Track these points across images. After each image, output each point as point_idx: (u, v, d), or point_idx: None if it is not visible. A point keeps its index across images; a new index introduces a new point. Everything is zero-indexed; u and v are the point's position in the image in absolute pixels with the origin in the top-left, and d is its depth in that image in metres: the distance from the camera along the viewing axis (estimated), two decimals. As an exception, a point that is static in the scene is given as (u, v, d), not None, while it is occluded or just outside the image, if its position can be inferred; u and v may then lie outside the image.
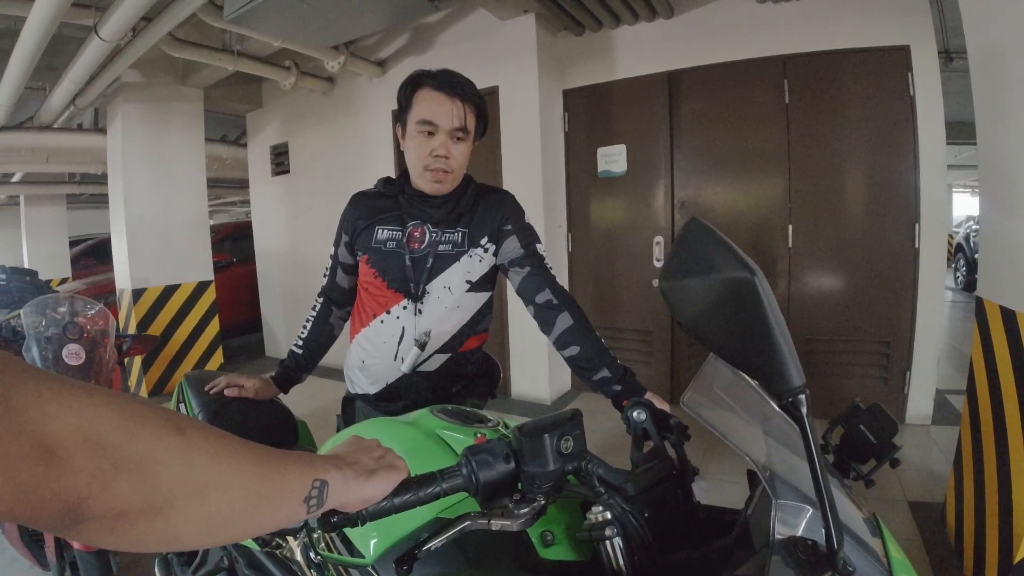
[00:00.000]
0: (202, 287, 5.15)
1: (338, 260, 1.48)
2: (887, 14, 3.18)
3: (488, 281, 1.41)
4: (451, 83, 1.28)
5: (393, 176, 1.44)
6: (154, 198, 4.80)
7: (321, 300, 1.53)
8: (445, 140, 1.28)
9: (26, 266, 6.54)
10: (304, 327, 1.52)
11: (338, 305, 1.53)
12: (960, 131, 5.39)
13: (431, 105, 1.27)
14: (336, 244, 1.47)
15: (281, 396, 1.52)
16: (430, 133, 1.28)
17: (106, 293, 5.19)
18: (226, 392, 1.43)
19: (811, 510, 0.63)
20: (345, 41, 4.10)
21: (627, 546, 0.73)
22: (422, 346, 1.33)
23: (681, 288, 0.59)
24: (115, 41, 3.27)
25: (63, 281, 8.26)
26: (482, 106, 1.34)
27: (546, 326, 1.33)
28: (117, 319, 4.04)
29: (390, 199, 1.40)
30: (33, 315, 1.96)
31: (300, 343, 1.51)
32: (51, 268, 8.38)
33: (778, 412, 0.75)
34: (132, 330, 4.68)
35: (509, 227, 1.37)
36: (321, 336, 1.52)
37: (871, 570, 0.61)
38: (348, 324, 1.54)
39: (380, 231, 1.38)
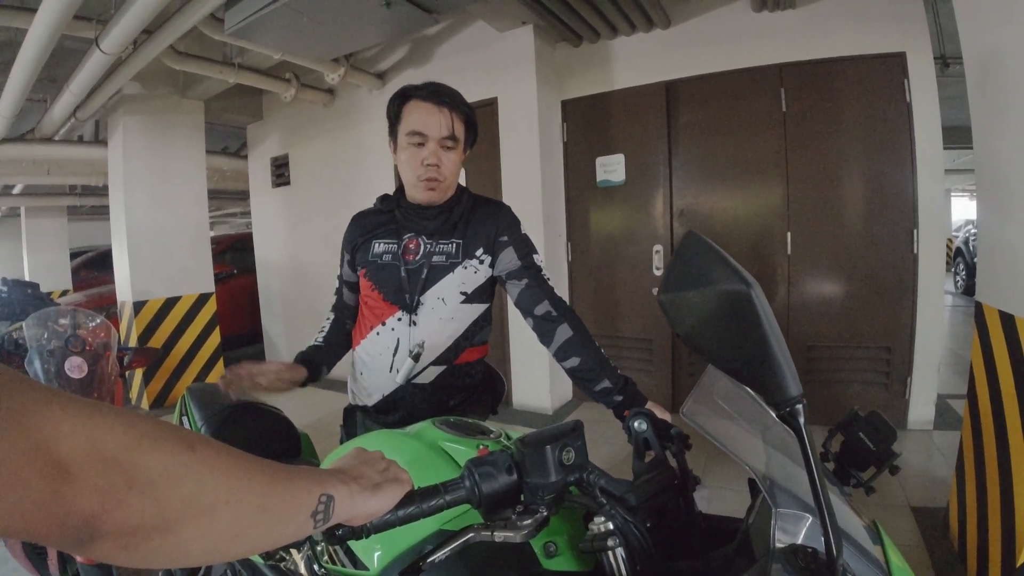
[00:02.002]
0: (203, 299, 5.16)
1: (343, 279, 1.51)
2: (883, 22, 3.21)
3: (484, 292, 1.41)
4: (438, 92, 1.30)
5: (390, 193, 1.46)
6: (155, 210, 4.82)
7: (333, 315, 1.54)
8: (435, 149, 1.30)
9: (27, 278, 6.56)
10: (322, 329, 1.53)
11: (347, 321, 1.54)
12: (957, 135, 5.40)
13: (420, 116, 1.29)
14: (341, 264, 1.50)
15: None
16: (420, 144, 1.30)
17: (107, 305, 5.19)
18: (249, 386, 1.28)
19: (811, 518, 0.64)
20: (345, 54, 4.13)
21: (629, 556, 0.74)
22: (416, 357, 1.33)
23: (679, 301, 0.60)
24: (116, 54, 3.29)
25: (64, 293, 8.27)
26: (470, 115, 1.35)
27: (546, 338, 1.32)
28: (118, 331, 4.04)
29: (387, 214, 1.43)
30: (35, 327, 1.96)
31: (321, 339, 1.50)
32: (52, 280, 8.40)
33: (777, 421, 0.76)
34: (133, 342, 4.68)
35: (505, 238, 1.37)
36: (340, 336, 1.52)
37: (871, 577, 0.62)
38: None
39: (377, 245, 1.40)
